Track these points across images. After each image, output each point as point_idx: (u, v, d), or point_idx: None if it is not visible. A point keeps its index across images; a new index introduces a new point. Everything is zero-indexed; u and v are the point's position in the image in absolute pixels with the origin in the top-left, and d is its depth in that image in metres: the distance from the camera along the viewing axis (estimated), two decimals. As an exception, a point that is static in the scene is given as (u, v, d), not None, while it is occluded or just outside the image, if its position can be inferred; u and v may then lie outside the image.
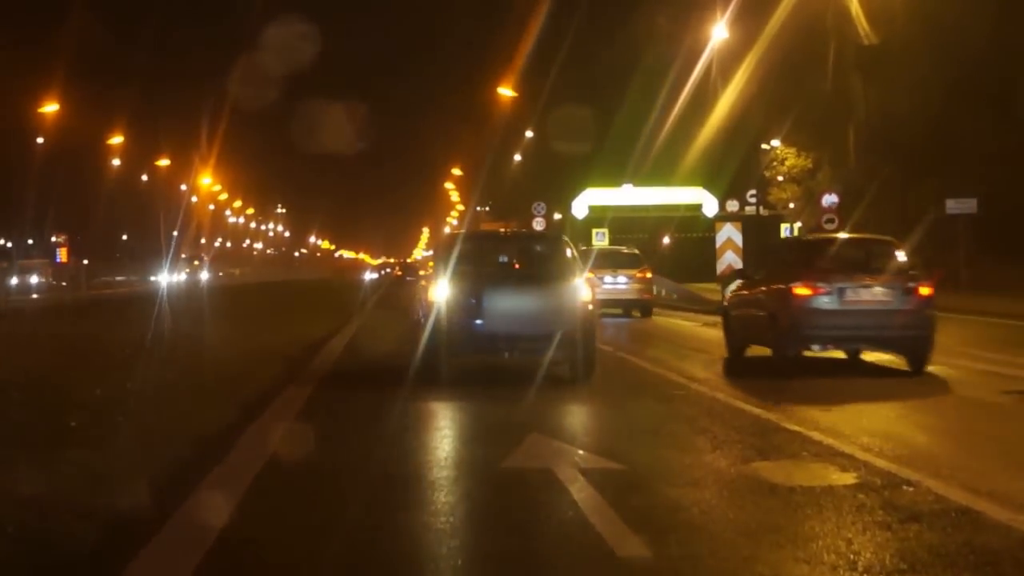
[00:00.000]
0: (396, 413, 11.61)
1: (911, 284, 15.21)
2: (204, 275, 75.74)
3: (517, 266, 16.04)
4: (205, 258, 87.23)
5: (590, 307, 14.49)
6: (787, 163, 61.40)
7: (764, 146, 61.58)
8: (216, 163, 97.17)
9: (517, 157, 79.82)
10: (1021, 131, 36.65)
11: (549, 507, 7.41)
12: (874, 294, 15.13)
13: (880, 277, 15.26)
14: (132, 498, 7.24)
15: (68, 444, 8.90)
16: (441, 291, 14.27)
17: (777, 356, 15.67)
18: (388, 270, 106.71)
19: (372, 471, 8.66)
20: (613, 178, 61.60)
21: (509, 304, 14.22)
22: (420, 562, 6.35)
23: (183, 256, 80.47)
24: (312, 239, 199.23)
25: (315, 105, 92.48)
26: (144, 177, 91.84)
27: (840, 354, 16.45)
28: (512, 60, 62.67)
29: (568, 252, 15.26)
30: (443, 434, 11.07)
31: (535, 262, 15.92)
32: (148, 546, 6.39)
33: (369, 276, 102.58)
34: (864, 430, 10.21)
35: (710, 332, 21.76)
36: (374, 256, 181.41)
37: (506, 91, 65.80)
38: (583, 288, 14.45)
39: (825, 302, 14.99)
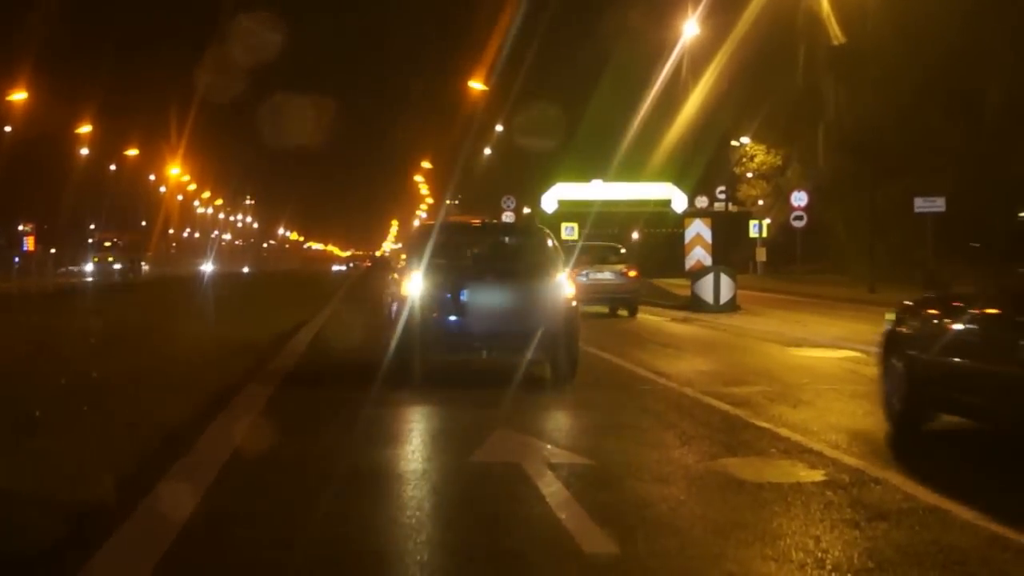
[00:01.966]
0: (365, 408, 11.52)
1: (625, 269, 28.24)
2: (117, 266, 62.02)
3: (496, 260, 15.02)
4: (119, 243, 68.81)
5: (573, 304, 13.86)
6: (756, 160, 61.67)
7: (734, 143, 61.83)
8: (185, 154, 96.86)
9: (487, 151, 79.83)
10: (990, 130, 36.84)
11: (517, 502, 7.35)
12: (605, 275, 27.75)
13: (609, 266, 28.16)
14: (96, 489, 7.17)
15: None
16: (414, 285, 13.55)
17: None
18: (355, 263, 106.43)
19: (339, 465, 8.59)
20: (583, 173, 61.70)
21: (487, 300, 13.53)
22: (387, 557, 6.29)
23: (91, 240, 65.33)
24: (281, 231, 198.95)
25: (284, 97, 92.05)
26: (112, 167, 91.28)
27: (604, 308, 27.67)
28: (483, 54, 62.67)
29: (549, 244, 14.58)
30: (411, 428, 10.98)
31: (515, 256, 15.10)
32: (112, 538, 6.33)
33: (337, 268, 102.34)
34: (833, 427, 10.22)
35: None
36: (343, 248, 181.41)
37: (477, 84, 65.82)
38: (566, 284, 13.80)
39: (582, 280, 24.37)
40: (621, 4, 58.82)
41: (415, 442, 10.15)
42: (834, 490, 7.53)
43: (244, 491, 7.72)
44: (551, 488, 7.64)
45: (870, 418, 10.94)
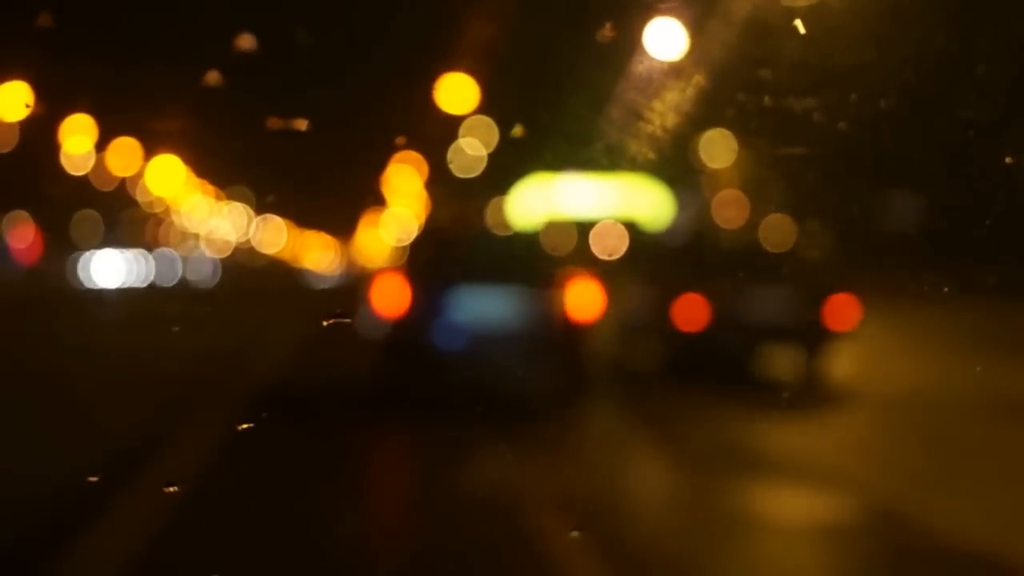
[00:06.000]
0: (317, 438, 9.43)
1: None
2: None
3: (494, 258, 11.55)
4: None
5: (597, 314, 10.98)
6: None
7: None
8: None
9: (460, 141, 79.17)
10: (952, 156, 37.04)
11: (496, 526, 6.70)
12: None
13: None
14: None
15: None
16: (392, 291, 10.75)
17: None
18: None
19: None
20: (556, 166, 61.29)
21: (481, 308, 10.60)
22: (352, 551, 6.13)
23: None
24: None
25: (253, 86, 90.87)
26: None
27: None
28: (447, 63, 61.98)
29: (555, 238, 11.93)
30: (385, 436, 9.85)
31: (517, 252, 12.13)
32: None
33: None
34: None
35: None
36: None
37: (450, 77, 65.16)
38: (590, 288, 11.00)
39: None
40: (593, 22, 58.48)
41: (391, 453, 9.52)
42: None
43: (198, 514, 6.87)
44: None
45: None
